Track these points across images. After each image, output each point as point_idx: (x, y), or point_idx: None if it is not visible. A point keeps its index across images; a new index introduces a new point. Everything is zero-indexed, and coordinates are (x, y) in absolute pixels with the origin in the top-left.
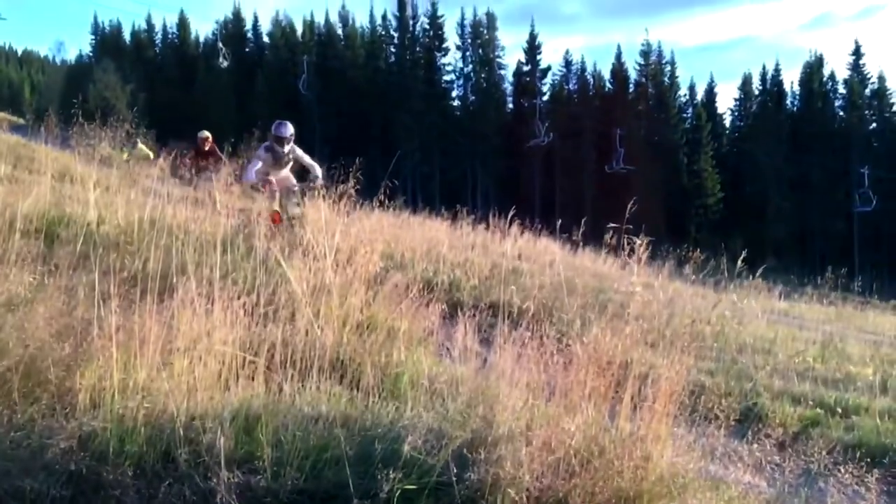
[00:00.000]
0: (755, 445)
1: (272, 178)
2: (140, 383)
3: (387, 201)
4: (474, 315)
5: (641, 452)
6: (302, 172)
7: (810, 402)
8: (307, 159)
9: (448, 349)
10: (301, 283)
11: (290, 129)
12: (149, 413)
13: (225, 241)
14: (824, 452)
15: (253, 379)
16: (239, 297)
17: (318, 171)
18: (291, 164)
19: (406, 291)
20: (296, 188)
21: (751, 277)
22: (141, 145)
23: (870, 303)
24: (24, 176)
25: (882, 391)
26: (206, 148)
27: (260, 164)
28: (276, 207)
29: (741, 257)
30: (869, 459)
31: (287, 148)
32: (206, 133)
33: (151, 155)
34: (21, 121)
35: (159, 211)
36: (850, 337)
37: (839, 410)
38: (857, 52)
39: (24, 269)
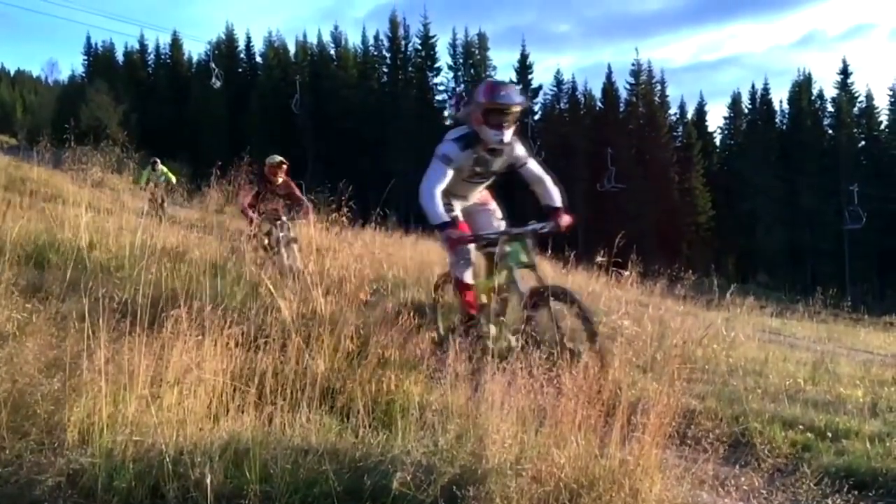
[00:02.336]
0: (743, 479)
1: (459, 214)
2: (129, 417)
3: (378, 223)
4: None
5: (630, 487)
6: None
7: (801, 427)
8: (534, 166)
9: (439, 376)
10: (291, 310)
11: (516, 93)
12: (138, 448)
13: (216, 267)
14: (812, 484)
15: (243, 411)
16: (229, 327)
17: (557, 194)
18: (494, 177)
19: (397, 317)
20: (518, 232)
21: (743, 295)
22: (161, 166)
23: (861, 320)
24: (15, 198)
25: (872, 414)
26: (279, 180)
27: (444, 182)
28: (469, 279)
29: (732, 279)
30: (857, 491)
31: (507, 136)
32: (279, 157)
33: (174, 178)
34: (13, 141)
35: (151, 235)
36: (841, 356)
37: (829, 435)
38: (845, 71)
39: (13, 300)
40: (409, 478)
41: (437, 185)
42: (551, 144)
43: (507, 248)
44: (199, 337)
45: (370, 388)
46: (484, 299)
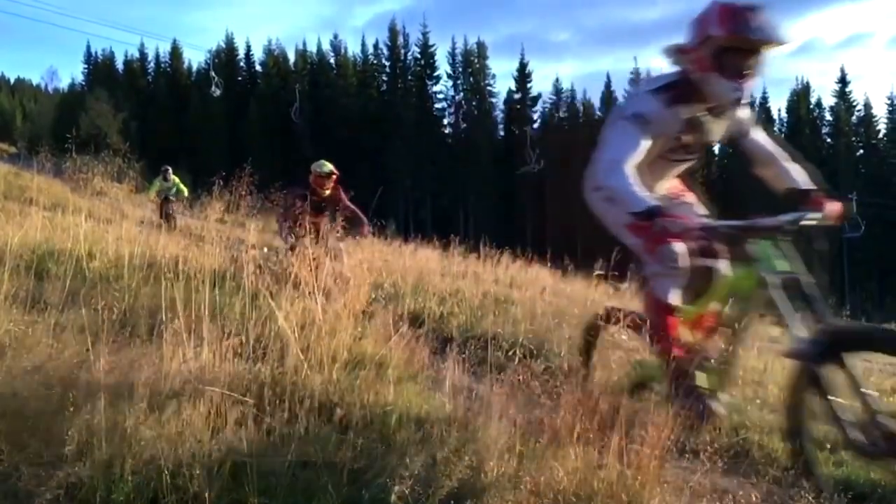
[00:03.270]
0: (741, 491)
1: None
2: (128, 429)
3: (378, 232)
4: (464, 349)
5: (629, 500)
6: None
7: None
8: (763, 137)
9: (437, 386)
10: (290, 319)
11: (772, 21)
12: (136, 460)
13: (214, 277)
14: (812, 497)
15: (241, 423)
16: (228, 337)
17: (805, 174)
18: (703, 154)
19: (396, 326)
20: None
21: None
22: (173, 176)
23: None
24: (15, 207)
25: None
26: (327, 191)
27: (638, 153)
28: (677, 299)
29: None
30: (856, 503)
31: (748, 91)
32: (329, 166)
33: (185, 191)
34: (13, 149)
35: (150, 245)
36: None
37: (828, 445)
38: (843, 80)
39: (12, 311)
40: (407, 491)
41: (629, 156)
42: (551, 153)
43: (755, 249)
44: (198, 348)
45: (368, 398)
46: (688, 335)
